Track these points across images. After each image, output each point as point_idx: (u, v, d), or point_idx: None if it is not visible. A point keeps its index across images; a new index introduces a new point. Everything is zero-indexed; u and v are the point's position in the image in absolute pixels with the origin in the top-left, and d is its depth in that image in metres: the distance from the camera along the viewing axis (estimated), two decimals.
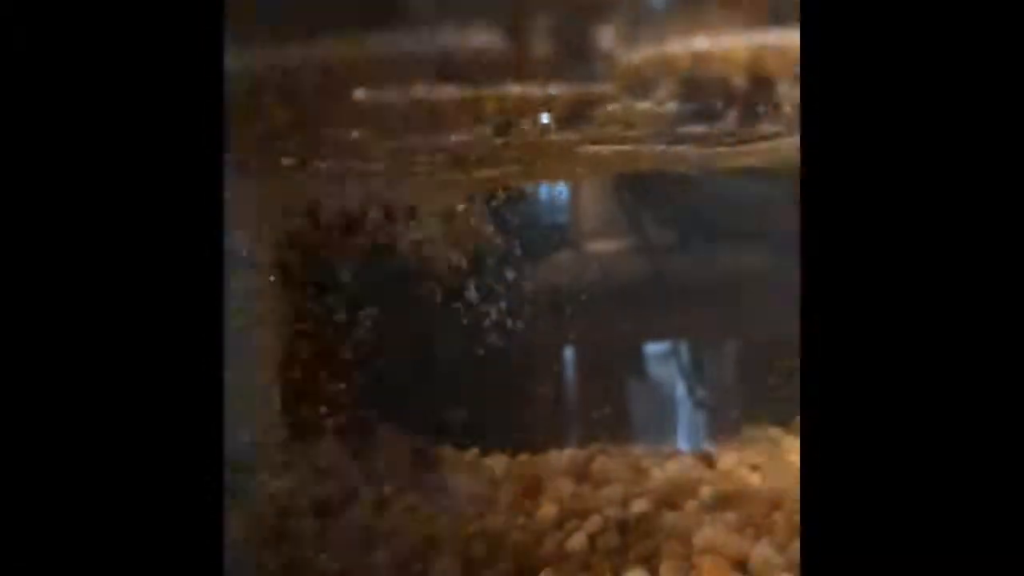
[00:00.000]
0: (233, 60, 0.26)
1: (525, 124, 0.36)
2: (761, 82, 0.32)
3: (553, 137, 0.37)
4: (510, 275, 0.49)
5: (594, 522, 0.39)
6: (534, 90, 0.33)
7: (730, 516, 0.39)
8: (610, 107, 0.34)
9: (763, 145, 0.39)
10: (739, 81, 0.32)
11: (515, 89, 0.33)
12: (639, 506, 0.40)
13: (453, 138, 0.38)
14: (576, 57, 0.31)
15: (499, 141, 0.38)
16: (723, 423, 0.43)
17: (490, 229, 0.50)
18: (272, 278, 0.48)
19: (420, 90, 0.33)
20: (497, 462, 0.48)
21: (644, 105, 0.34)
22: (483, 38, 0.30)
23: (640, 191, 0.50)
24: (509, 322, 0.48)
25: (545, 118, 0.36)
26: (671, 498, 0.41)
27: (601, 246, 0.51)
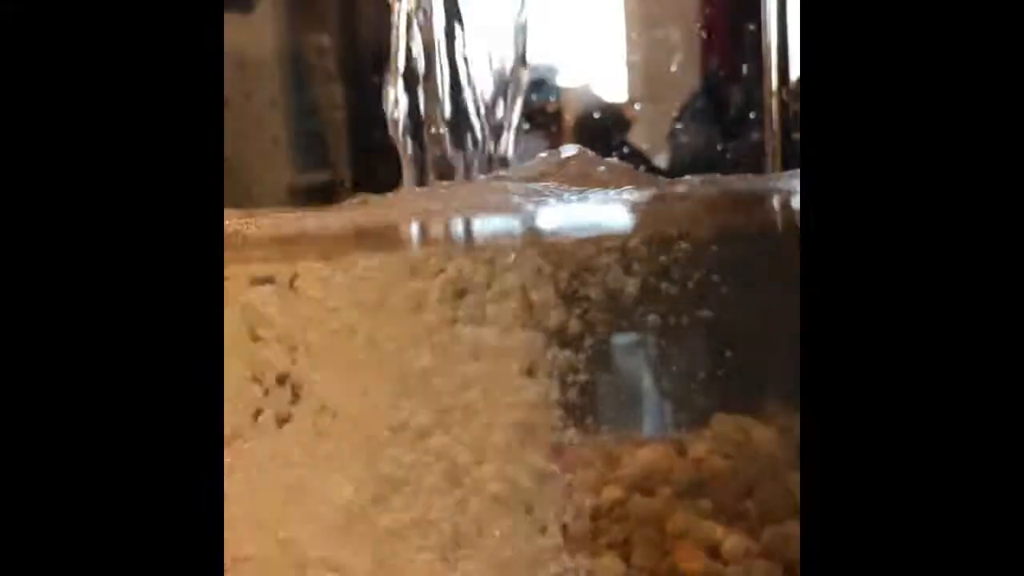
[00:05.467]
0: None
1: None
2: None
3: None
4: None
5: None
6: None
7: (703, 503, 0.39)
8: None
9: None
10: None
11: None
12: (611, 492, 0.41)
13: None
14: None
15: None
16: (692, 412, 0.44)
17: None
18: None
19: None
20: None
21: None
22: None
23: None
24: None
25: None
26: (643, 485, 0.41)
27: None
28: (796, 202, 0.39)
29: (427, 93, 0.45)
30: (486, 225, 0.38)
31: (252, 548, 0.37)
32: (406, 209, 0.41)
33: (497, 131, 0.47)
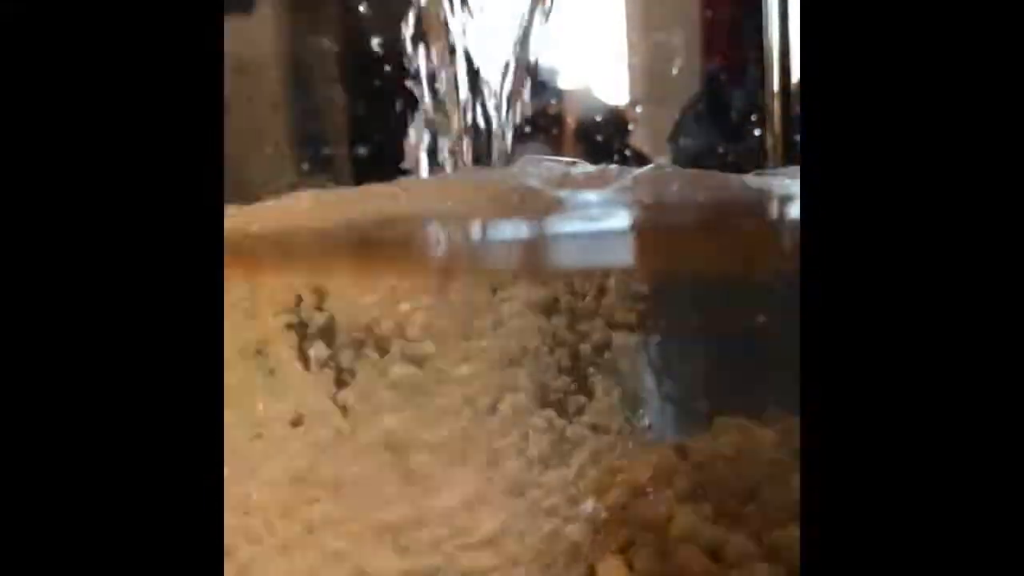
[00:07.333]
0: None
1: None
2: None
3: None
4: None
5: None
6: None
7: (705, 507, 0.39)
8: None
9: None
10: None
11: None
12: (614, 496, 0.41)
13: None
14: None
15: None
16: (695, 415, 0.44)
17: None
18: None
19: None
20: None
21: None
22: None
23: None
24: None
25: None
26: (645, 488, 0.41)
27: None
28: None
29: (434, 96, 0.45)
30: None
31: None
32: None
33: (503, 134, 0.47)
